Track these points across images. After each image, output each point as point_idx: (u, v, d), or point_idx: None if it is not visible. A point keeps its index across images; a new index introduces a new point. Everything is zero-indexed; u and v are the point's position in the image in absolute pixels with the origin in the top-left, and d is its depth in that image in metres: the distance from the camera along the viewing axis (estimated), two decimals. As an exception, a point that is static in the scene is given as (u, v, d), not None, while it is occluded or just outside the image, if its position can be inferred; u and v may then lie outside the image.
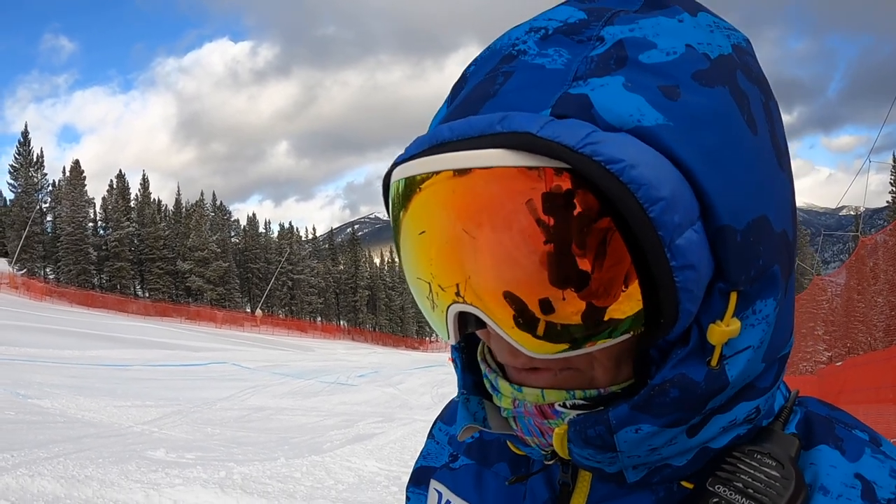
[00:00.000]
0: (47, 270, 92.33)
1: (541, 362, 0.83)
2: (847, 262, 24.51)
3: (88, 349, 29.81)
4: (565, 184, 0.71)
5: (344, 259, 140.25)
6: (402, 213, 0.82)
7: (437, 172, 0.76)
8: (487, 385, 0.93)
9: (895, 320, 21.00)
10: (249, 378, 27.67)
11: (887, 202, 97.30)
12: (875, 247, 21.73)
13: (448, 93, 0.92)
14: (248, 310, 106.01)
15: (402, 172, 0.81)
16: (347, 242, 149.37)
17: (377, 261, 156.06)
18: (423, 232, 0.79)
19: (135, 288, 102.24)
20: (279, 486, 9.52)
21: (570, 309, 0.74)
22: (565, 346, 0.76)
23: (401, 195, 0.81)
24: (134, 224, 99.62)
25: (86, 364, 24.65)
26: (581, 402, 0.83)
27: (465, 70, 0.90)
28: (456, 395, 1.30)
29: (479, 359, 0.96)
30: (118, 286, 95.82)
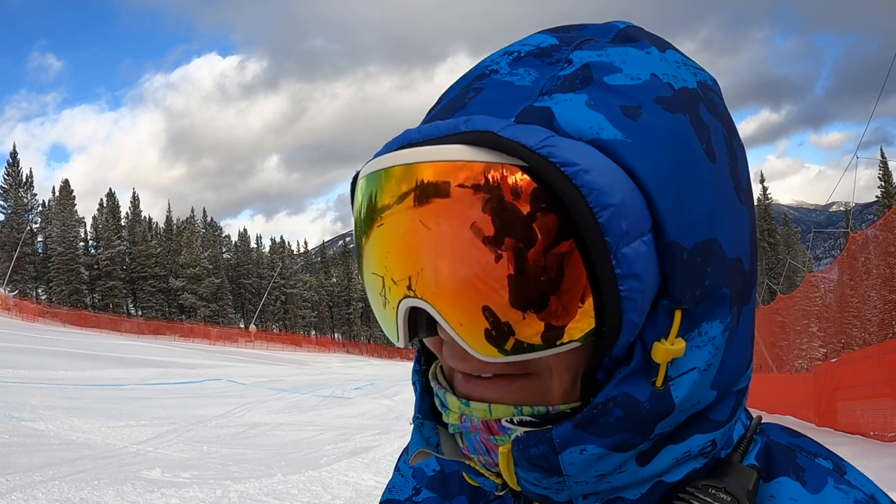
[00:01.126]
0: (39, 291, 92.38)
1: (495, 368, 0.82)
2: (838, 258, 24.56)
3: (82, 369, 29.72)
4: (522, 182, 0.72)
5: (336, 272, 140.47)
6: (362, 210, 0.83)
7: (398, 166, 0.77)
8: (437, 403, 0.93)
9: (889, 315, 21.02)
10: (245, 394, 27.63)
11: (876, 197, 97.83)
12: (866, 242, 21.74)
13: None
14: (242, 325, 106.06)
15: (366, 170, 0.83)
16: (340, 255, 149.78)
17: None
18: (381, 225, 0.79)
19: (127, 307, 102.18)
20: (276, 503, 9.48)
21: (524, 310, 0.74)
22: (514, 350, 0.76)
23: (363, 192, 0.83)
24: (125, 242, 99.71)
25: (80, 384, 24.56)
26: (529, 418, 0.82)
27: (441, 95, 0.91)
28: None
29: (430, 377, 0.95)
30: (111, 305, 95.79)
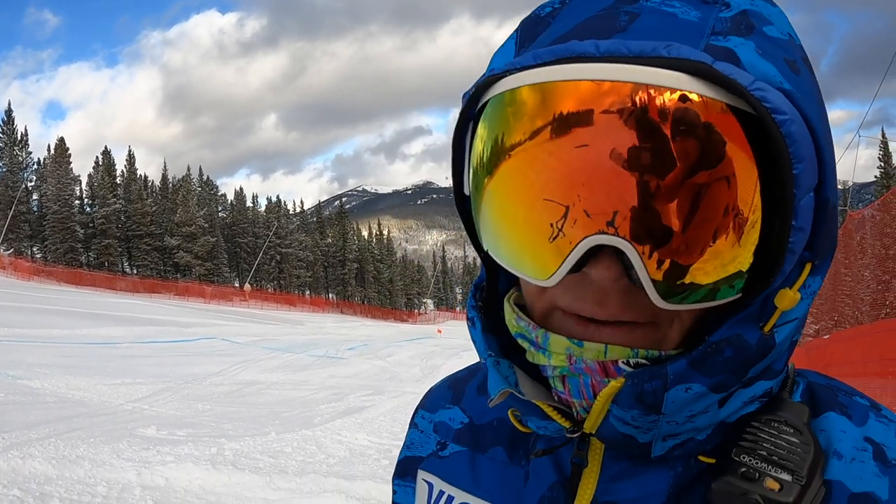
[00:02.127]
0: (34, 250, 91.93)
1: (630, 315, 0.79)
2: (834, 235, 24.59)
3: (77, 328, 29.72)
4: (735, 126, 0.70)
5: (332, 232, 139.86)
6: (540, 121, 0.74)
7: (609, 81, 0.71)
8: (526, 344, 0.88)
9: (882, 295, 21.11)
10: (239, 353, 27.70)
11: (875, 177, 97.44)
12: (862, 221, 21.78)
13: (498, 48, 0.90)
14: (237, 284, 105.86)
15: (547, 75, 0.74)
16: (335, 215, 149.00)
17: (365, 233, 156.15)
18: (585, 146, 0.72)
19: (122, 265, 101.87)
20: (270, 462, 9.60)
21: (719, 258, 0.73)
22: (692, 299, 0.75)
23: (541, 102, 0.75)
24: (120, 201, 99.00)
25: (75, 343, 24.61)
26: (643, 360, 0.81)
27: (539, 14, 0.87)
28: (438, 381, 1.28)
29: (514, 317, 0.90)
30: (106, 264, 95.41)
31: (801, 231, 0.74)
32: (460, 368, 1.27)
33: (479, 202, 0.84)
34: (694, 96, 0.69)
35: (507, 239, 0.81)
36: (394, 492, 1.21)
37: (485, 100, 0.82)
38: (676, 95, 0.69)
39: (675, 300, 0.75)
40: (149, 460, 9.06)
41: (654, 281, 0.74)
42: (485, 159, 0.81)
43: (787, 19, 0.82)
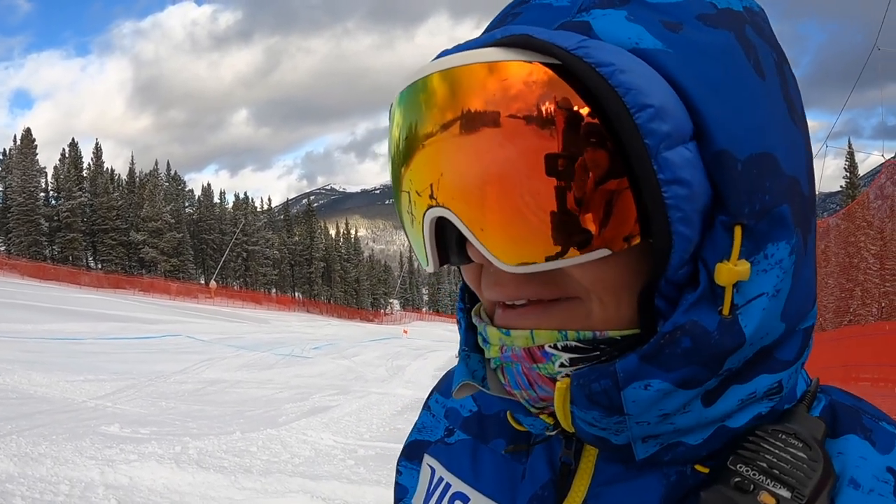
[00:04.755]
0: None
1: (530, 291, 0.79)
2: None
3: (41, 323, 29.42)
4: (553, 80, 0.70)
5: (299, 230, 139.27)
6: (391, 132, 0.81)
7: (422, 78, 0.76)
8: (480, 340, 0.89)
9: (845, 302, 21.36)
10: (204, 351, 27.52)
11: (841, 187, 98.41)
12: (827, 230, 22.03)
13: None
14: (203, 281, 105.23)
15: (398, 91, 0.80)
16: (303, 213, 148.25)
17: (332, 232, 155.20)
18: (407, 138, 0.78)
19: (87, 259, 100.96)
20: (235, 461, 9.56)
21: (550, 211, 0.71)
22: (542, 256, 0.72)
23: (393, 111, 0.81)
24: (86, 194, 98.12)
25: (38, 338, 24.35)
26: (574, 343, 0.78)
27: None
28: (453, 365, 1.30)
29: (472, 314, 0.93)
30: (70, 258, 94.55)
31: (679, 184, 0.69)
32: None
33: None
34: (487, 62, 0.72)
35: (406, 234, 0.86)
36: (398, 472, 1.22)
37: None
38: (472, 69, 0.72)
39: (517, 260, 0.74)
40: (112, 459, 8.97)
41: (484, 244, 0.74)
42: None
43: None
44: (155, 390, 15.89)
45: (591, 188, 0.70)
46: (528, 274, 0.77)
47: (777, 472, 0.75)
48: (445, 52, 0.80)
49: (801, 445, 0.77)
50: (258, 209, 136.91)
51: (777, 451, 0.77)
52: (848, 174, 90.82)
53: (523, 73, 0.70)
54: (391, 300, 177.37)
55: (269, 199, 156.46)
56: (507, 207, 0.72)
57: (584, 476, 0.88)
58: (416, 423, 1.22)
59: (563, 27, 0.75)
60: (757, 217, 0.72)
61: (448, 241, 0.80)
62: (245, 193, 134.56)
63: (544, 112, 0.69)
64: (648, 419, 0.76)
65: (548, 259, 0.72)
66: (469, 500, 1.01)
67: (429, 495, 1.08)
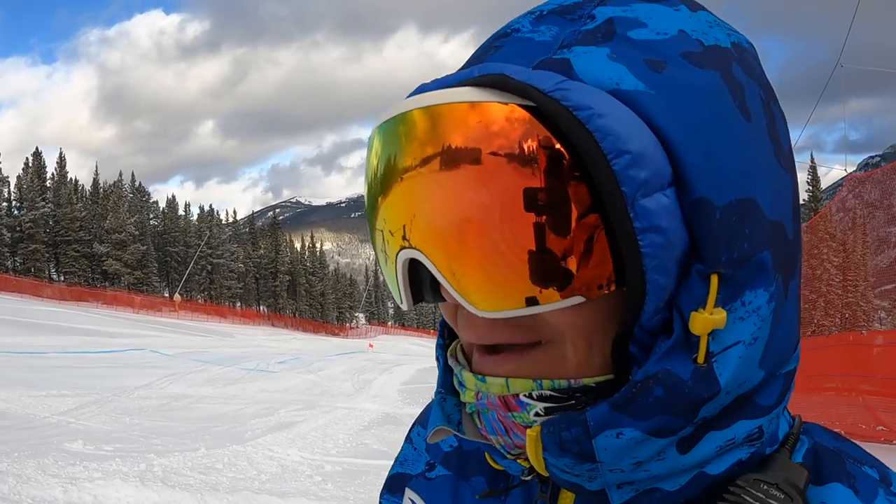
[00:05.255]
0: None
1: (502, 335, 0.78)
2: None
3: (1, 335, 29.06)
4: (531, 123, 0.69)
5: (264, 243, 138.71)
6: (367, 167, 0.80)
7: (400, 114, 0.75)
8: (455, 382, 0.88)
9: (808, 314, 21.61)
10: (168, 365, 27.26)
11: (803, 200, 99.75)
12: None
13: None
14: (167, 294, 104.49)
15: (375, 125, 0.79)
16: (268, 226, 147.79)
17: (298, 246, 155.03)
18: (381, 175, 0.77)
19: (49, 271, 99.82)
20: (201, 478, 9.46)
21: (524, 257, 0.70)
22: (517, 302, 0.71)
23: (370, 146, 0.80)
24: (50, 204, 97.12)
25: (-1, 352, 24.04)
26: (549, 392, 0.77)
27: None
28: (422, 383, 1.27)
29: (448, 354, 0.91)
30: (32, 269, 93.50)
31: (655, 232, 0.67)
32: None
33: None
34: (463, 102, 0.71)
35: (381, 270, 0.85)
36: None
37: None
38: (447, 109, 0.71)
39: (489, 307, 0.73)
40: (76, 476, 8.84)
41: (458, 290, 0.73)
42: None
43: (682, 16, 0.76)
44: (119, 406, 15.72)
45: (569, 229, 0.69)
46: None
47: None
48: (424, 87, 0.79)
49: (782, 497, 0.75)
50: (223, 222, 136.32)
51: None
52: (811, 188, 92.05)
53: (500, 114, 0.70)
54: (357, 314, 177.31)
55: (235, 212, 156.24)
56: (482, 251, 0.71)
57: None
58: (397, 457, 1.21)
59: (543, 64, 0.74)
60: (735, 266, 0.71)
61: (422, 280, 0.78)
62: (210, 206, 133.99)
63: (524, 152, 0.68)
64: (622, 466, 0.75)
65: (527, 303, 0.71)
66: None
67: None
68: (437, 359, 0.95)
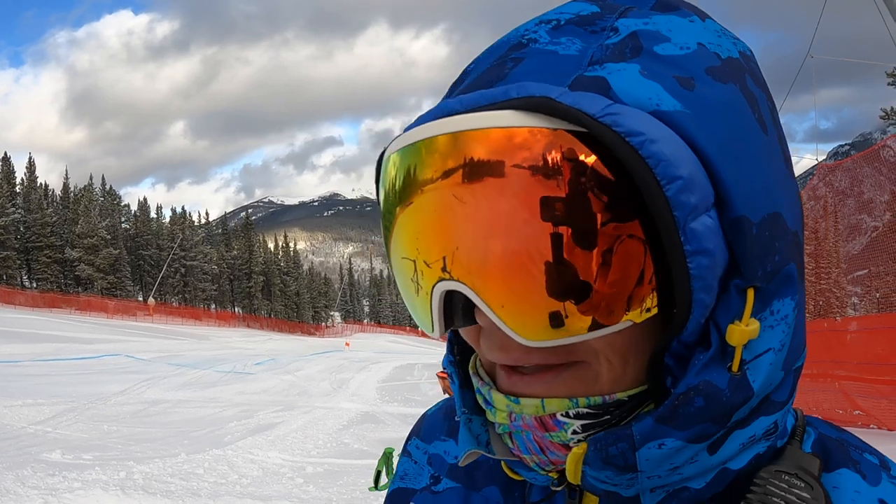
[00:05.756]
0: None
1: (539, 357, 0.78)
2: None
3: (-26, 345, 28.79)
4: (581, 150, 0.68)
5: (238, 244, 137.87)
6: (395, 189, 0.77)
7: (441, 136, 0.73)
8: (480, 400, 0.88)
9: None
10: (144, 370, 27.11)
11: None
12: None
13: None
14: (141, 298, 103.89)
15: (398, 144, 0.77)
16: (241, 227, 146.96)
17: (271, 246, 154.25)
18: (411, 203, 0.75)
19: (21, 278, 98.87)
20: (182, 485, 9.43)
21: (577, 288, 0.70)
22: (564, 331, 0.72)
23: (396, 168, 0.77)
24: (20, 210, 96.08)
25: (-28, 361, 23.80)
26: (585, 409, 0.79)
27: (465, 69, 0.87)
28: (428, 408, 1.24)
29: (470, 372, 0.91)
30: (4, 276, 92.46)
31: (704, 254, 0.69)
32: (446, 396, 1.25)
33: None
34: (518, 130, 0.70)
35: (403, 296, 0.84)
36: None
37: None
38: (496, 135, 0.70)
39: (540, 336, 0.72)
40: (55, 487, 8.80)
41: (505, 321, 0.73)
42: (381, 221, 0.83)
43: (697, 28, 0.78)
44: (96, 413, 15.63)
45: (619, 263, 0.70)
46: None
47: None
48: (447, 106, 0.77)
49: (803, 486, 0.78)
50: (196, 223, 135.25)
51: (783, 494, 0.78)
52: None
53: (550, 142, 0.69)
54: (332, 313, 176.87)
55: (207, 213, 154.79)
56: (536, 284, 0.70)
57: None
58: (396, 472, 1.19)
59: (579, 83, 0.73)
60: (768, 279, 0.74)
61: (454, 307, 0.78)
62: (182, 207, 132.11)
63: (569, 187, 0.68)
64: (659, 473, 0.77)
65: (571, 334, 0.72)
66: None
67: None
68: (450, 376, 0.96)
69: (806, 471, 0.80)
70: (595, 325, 0.71)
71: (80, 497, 8.45)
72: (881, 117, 38.73)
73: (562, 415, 0.79)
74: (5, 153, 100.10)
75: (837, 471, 0.84)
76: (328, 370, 32.75)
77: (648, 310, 0.72)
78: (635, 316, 0.72)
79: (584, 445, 0.78)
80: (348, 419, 16.03)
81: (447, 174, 0.71)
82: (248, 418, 15.96)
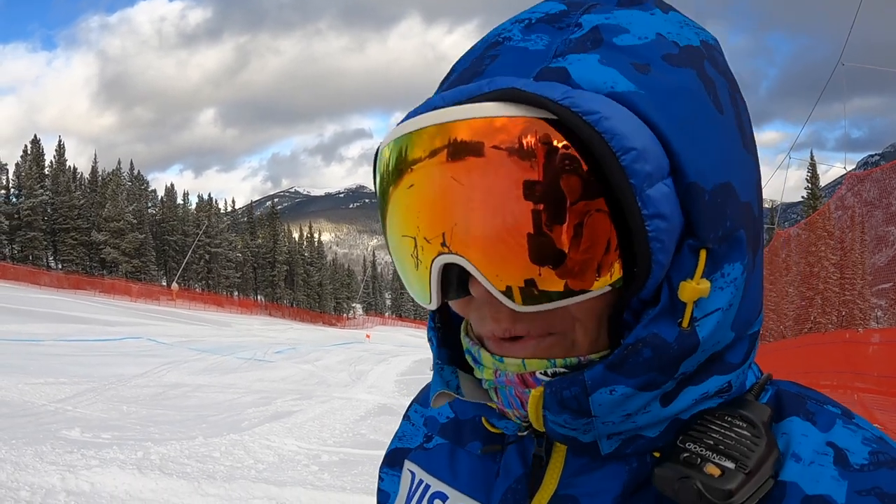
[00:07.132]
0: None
1: (522, 328, 0.86)
2: (761, 254, 25.63)
3: (-1, 323, 29.06)
4: (548, 132, 0.76)
5: (262, 233, 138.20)
6: (390, 175, 0.86)
7: (428, 127, 0.81)
8: (469, 360, 0.97)
9: (805, 310, 21.65)
10: (165, 354, 27.29)
11: (802, 197, 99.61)
12: (788, 239, 22.34)
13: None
14: (164, 283, 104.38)
15: (393, 135, 0.86)
16: (266, 216, 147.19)
17: (296, 235, 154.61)
18: (412, 186, 0.83)
19: (47, 259, 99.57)
20: (198, 466, 9.51)
21: (561, 258, 0.78)
22: (548, 298, 0.80)
23: (390, 158, 0.86)
24: (48, 192, 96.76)
25: (-4, 339, 24.02)
26: (561, 370, 0.87)
27: (453, 66, 0.96)
28: (416, 371, 1.33)
29: (462, 334, 0.99)
30: (30, 257, 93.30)
31: (660, 218, 0.77)
32: None
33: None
34: (493, 119, 0.78)
35: (400, 273, 0.93)
36: (380, 479, 1.29)
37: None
38: (476, 124, 0.78)
39: (531, 302, 0.81)
40: (73, 464, 8.88)
41: (497, 288, 0.81)
42: (378, 207, 0.92)
43: (657, 20, 0.86)
44: (116, 394, 15.75)
45: (591, 232, 0.78)
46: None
47: (722, 447, 0.83)
48: (432, 102, 0.86)
49: (745, 425, 0.85)
50: (221, 211, 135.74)
51: (723, 430, 0.85)
52: (810, 185, 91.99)
53: (524, 127, 0.77)
54: (354, 304, 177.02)
55: (233, 201, 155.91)
56: (522, 255, 0.78)
57: (556, 469, 0.96)
58: (396, 433, 1.30)
59: (543, 73, 0.82)
60: (720, 241, 0.82)
61: (448, 280, 0.86)
62: (209, 195, 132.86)
63: (543, 166, 0.76)
64: (613, 419, 0.85)
65: (555, 299, 0.80)
66: (448, 498, 1.08)
67: (410, 497, 1.15)
68: (430, 339, 1.06)
69: (753, 414, 0.87)
70: (573, 292, 0.79)
71: (97, 474, 8.52)
72: (913, 128, 38.26)
73: (540, 373, 0.88)
74: (35, 135, 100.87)
75: (788, 419, 0.90)
76: (347, 361, 32.85)
77: (620, 275, 0.80)
78: (606, 281, 0.80)
79: (540, 389, 0.87)
80: (365, 410, 16.09)
81: (435, 158, 0.80)
82: (265, 405, 16.04)
